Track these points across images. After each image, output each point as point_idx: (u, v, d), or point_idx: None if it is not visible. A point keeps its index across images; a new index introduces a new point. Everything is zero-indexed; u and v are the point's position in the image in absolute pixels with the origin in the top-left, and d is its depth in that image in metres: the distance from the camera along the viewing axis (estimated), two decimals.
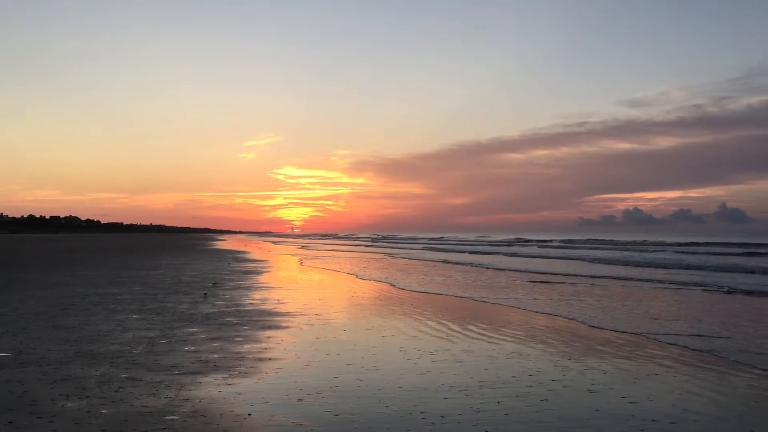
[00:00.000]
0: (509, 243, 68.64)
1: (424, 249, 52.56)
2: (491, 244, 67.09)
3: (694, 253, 36.65)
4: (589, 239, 72.41)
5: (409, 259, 34.37)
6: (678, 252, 38.14)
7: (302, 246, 64.20)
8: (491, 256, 38.13)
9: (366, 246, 65.29)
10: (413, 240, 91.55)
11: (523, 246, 57.53)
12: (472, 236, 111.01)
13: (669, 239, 65.13)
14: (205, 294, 14.16)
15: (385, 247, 58.66)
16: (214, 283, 14.41)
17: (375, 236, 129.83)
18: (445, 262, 30.96)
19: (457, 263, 29.51)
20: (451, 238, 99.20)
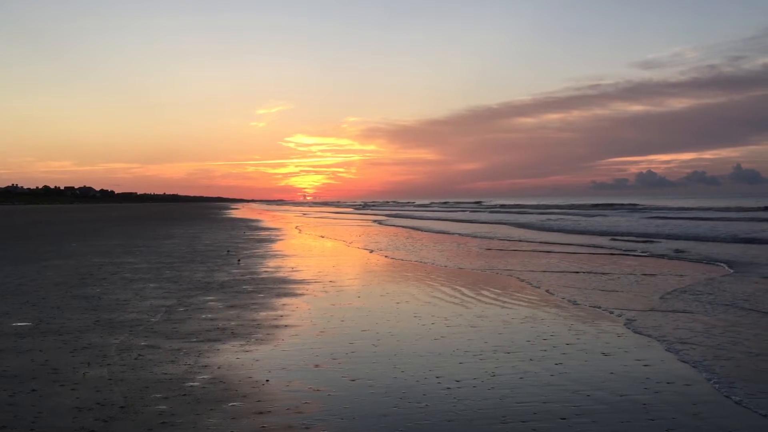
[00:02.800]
0: (490, 209, 70.13)
1: (388, 216, 54.37)
2: (465, 210, 69.18)
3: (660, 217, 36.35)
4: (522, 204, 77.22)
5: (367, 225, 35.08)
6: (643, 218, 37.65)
7: (303, 214, 67.42)
8: (446, 222, 39.68)
9: (353, 212, 72.71)
10: (396, 206, 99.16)
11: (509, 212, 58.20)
12: (450, 200, 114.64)
13: (672, 203, 65.61)
14: (239, 260, 14.49)
15: (363, 214, 63.78)
16: (237, 258, 14.68)
17: (361, 204, 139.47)
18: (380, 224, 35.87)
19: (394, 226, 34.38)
20: (434, 204, 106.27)
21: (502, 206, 76.91)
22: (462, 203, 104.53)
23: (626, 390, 4.88)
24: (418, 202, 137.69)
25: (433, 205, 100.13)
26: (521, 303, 8.80)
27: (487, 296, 9.39)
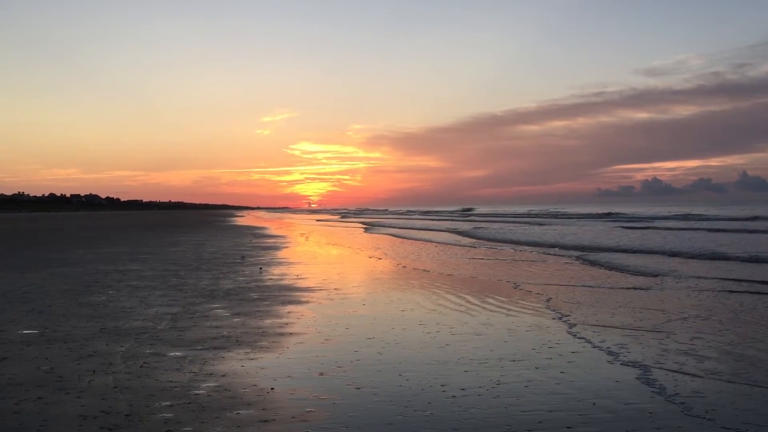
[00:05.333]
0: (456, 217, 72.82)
1: (366, 223, 56.60)
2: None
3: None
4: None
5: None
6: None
7: (303, 221, 70.25)
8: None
9: (339, 219, 77.81)
10: (376, 213, 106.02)
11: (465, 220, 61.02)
12: (440, 208, 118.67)
13: (672, 210, 66.59)
14: (261, 268, 14.49)
15: (347, 220, 68.22)
16: (259, 267, 14.69)
17: (347, 211, 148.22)
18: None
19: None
20: (411, 211, 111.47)
21: (479, 214, 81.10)
22: (442, 211, 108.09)
23: (632, 398, 4.85)
24: (410, 209, 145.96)
25: (413, 213, 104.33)
26: (525, 310, 8.78)
27: (492, 303, 9.37)
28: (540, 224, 43.56)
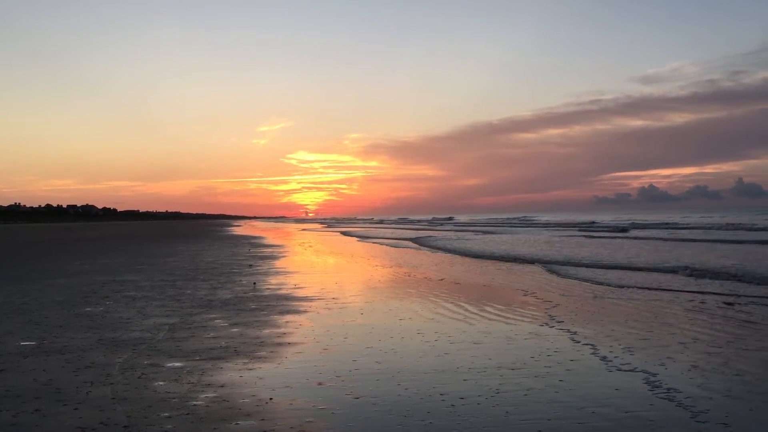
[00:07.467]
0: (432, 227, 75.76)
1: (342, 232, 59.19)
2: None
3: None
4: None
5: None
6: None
7: (286, 229, 74.10)
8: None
9: (323, 228, 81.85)
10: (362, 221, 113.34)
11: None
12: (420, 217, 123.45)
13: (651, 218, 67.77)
14: (255, 283, 14.36)
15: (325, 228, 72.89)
16: (253, 282, 14.55)
17: (333, 220, 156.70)
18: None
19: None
20: (386, 221, 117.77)
21: (454, 223, 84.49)
22: (416, 220, 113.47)
23: (632, 406, 4.85)
24: (388, 217, 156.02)
25: (391, 222, 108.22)
26: (525, 317, 8.77)
27: (490, 311, 9.37)
28: (494, 233, 44.03)
